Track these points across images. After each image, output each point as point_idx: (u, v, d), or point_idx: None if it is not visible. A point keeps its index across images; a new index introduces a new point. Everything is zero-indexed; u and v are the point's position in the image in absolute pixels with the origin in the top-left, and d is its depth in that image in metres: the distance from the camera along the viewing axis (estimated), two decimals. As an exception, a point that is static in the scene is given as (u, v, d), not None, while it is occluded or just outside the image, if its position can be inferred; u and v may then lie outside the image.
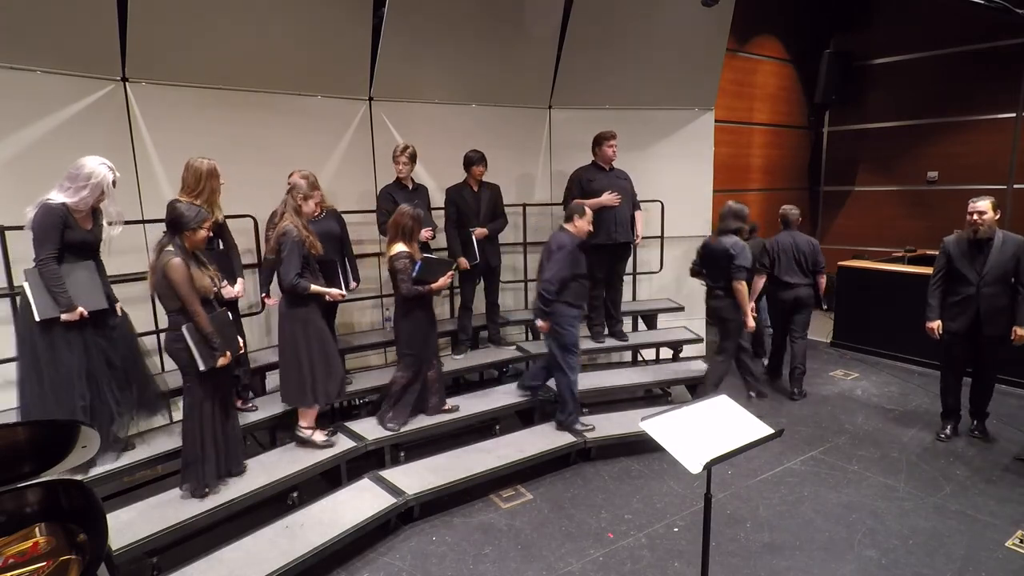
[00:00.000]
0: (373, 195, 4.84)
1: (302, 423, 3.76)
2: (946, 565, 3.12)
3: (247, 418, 3.77)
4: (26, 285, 2.91)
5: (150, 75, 3.96)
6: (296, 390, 3.63)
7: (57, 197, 2.98)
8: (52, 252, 2.95)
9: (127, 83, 3.90)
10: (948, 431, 4.53)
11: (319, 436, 3.77)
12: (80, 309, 2.98)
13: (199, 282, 3.02)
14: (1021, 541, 3.29)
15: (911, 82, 8.41)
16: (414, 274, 3.75)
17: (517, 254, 5.71)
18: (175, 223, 3.04)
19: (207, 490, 3.19)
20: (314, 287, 3.50)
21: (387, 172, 4.68)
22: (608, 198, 4.89)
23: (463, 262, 4.73)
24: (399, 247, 3.82)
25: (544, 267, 4.18)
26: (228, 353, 3.09)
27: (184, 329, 2.98)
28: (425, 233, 4.35)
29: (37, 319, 2.91)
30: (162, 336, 4.07)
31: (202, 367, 3.02)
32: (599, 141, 5.01)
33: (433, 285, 3.83)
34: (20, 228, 3.41)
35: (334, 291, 3.66)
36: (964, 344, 4.31)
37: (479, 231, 4.76)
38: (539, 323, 4.14)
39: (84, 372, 3.03)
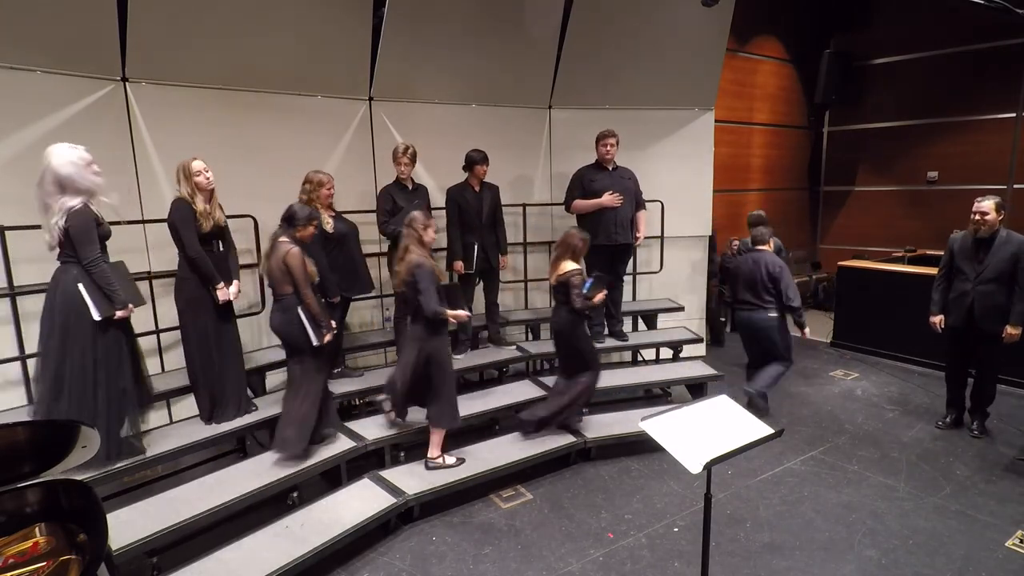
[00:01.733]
0: (373, 195, 4.83)
1: (436, 450, 3.81)
2: (946, 565, 3.12)
3: (249, 417, 3.78)
4: (81, 286, 2.93)
5: (150, 75, 3.96)
6: (449, 414, 3.75)
7: (73, 199, 2.91)
8: (98, 251, 2.97)
9: (127, 83, 3.90)
10: (948, 420, 4.72)
11: (451, 459, 3.85)
12: (130, 306, 3.08)
13: (309, 268, 3.43)
14: (1021, 541, 3.29)
15: (911, 82, 8.41)
16: (585, 290, 3.92)
17: (517, 254, 5.70)
18: (289, 219, 3.50)
19: (308, 448, 3.56)
20: (448, 312, 3.63)
21: (387, 172, 4.68)
22: (608, 199, 4.89)
23: (459, 265, 4.73)
24: (571, 264, 3.99)
25: (762, 283, 4.77)
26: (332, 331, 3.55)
27: (299, 310, 3.41)
28: None
29: (97, 318, 2.95)
30: (162, 336, 4.10)
31: (315, 342, 3.45)
32: (596, 140, 5.01)
33: (594, 300, 3.98)
34: (20, 228, 3.43)
35: (462, 314, 3.74)
36: (961, 339, 4.43)
37: (504, 261, 4.98)
38: (806, 331, 4.84)
39: (128, 364, 3.16)
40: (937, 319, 4.49)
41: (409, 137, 4.74)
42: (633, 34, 5.48)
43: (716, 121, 6.25)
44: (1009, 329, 4.15)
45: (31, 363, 3.59)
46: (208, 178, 3.48)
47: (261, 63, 4.33)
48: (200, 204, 3.43)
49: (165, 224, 4.01)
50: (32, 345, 3.57)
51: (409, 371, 3.65)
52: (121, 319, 3.04)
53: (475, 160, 4.69)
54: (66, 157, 2.89)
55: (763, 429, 2.43)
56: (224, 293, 3.52)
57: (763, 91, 8.56)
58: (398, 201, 4.37)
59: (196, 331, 3.56)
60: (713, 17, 5.38)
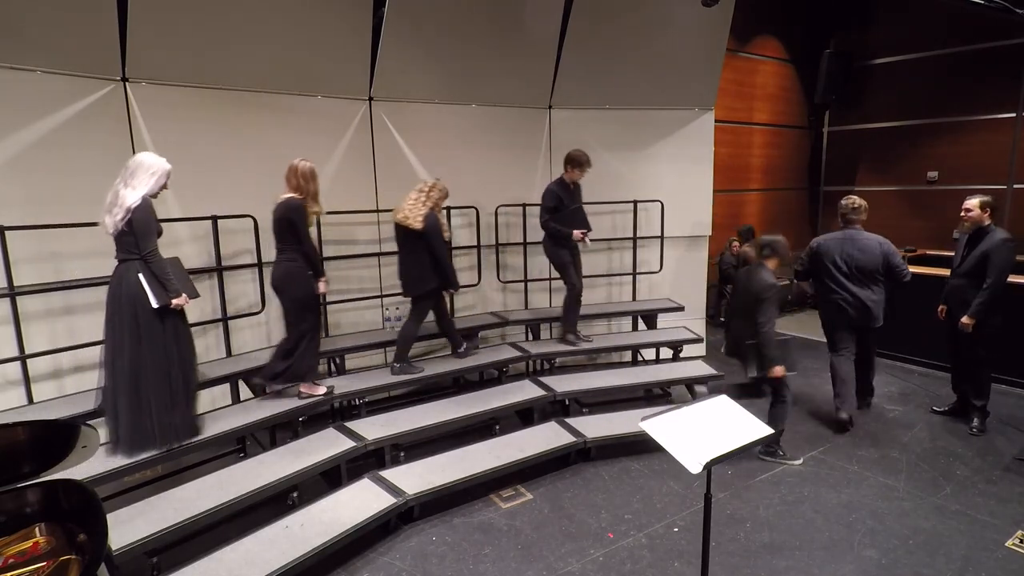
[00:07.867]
0: (373, 195, 4.84)
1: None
2: (946, 565, 3.12)
3: (249, 418, 3.77)
4: (141, 276, 3.11)
5: (150, 75, 3.96)
6: None
7: (138, 193, 3.09)
8: (156, 243, 3.17)
9: (127, 83, 3.90)
10: (948, 405, 4.90)
11: None
12: (184, 296, 3.25)
13: None
14: (1021, 541, 3.29)
15: (911, 82, 8.41)
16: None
17: (517, 254, 5.71)
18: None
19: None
20: None
21: (387, 172, 4.68)
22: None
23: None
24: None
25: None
26: None
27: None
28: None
29: (155, 305, 3.12)
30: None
31: None
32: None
33: None
34: (20, 228, 3.43)
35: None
36: (950, 331, 4.60)
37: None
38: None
39: (190, 354, 3.37)
40: (940, 308, 4.70)
41: (409, 137, 4.75)
42: (633, 34, 5.48)
43: (716, 121, 6.25)
44: (963, 319, 4.33)
45: (31, 363, 3.61)
46: None
47: (261, 63, 4.33)
48: (311, 204, 3.75)
49: (164, 225, 4.04)
50: (32, 345, 3.59)
51: None
52: (177, 307, 3.22)
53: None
54: (157, 160, 3.20)
55: (762, 429, 2.43)
56: (324, 284, 3.93)
57: (763, 91, 8.57)
58: (564, 200, 4.74)
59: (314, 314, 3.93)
60: (713, 17, 5.39)
